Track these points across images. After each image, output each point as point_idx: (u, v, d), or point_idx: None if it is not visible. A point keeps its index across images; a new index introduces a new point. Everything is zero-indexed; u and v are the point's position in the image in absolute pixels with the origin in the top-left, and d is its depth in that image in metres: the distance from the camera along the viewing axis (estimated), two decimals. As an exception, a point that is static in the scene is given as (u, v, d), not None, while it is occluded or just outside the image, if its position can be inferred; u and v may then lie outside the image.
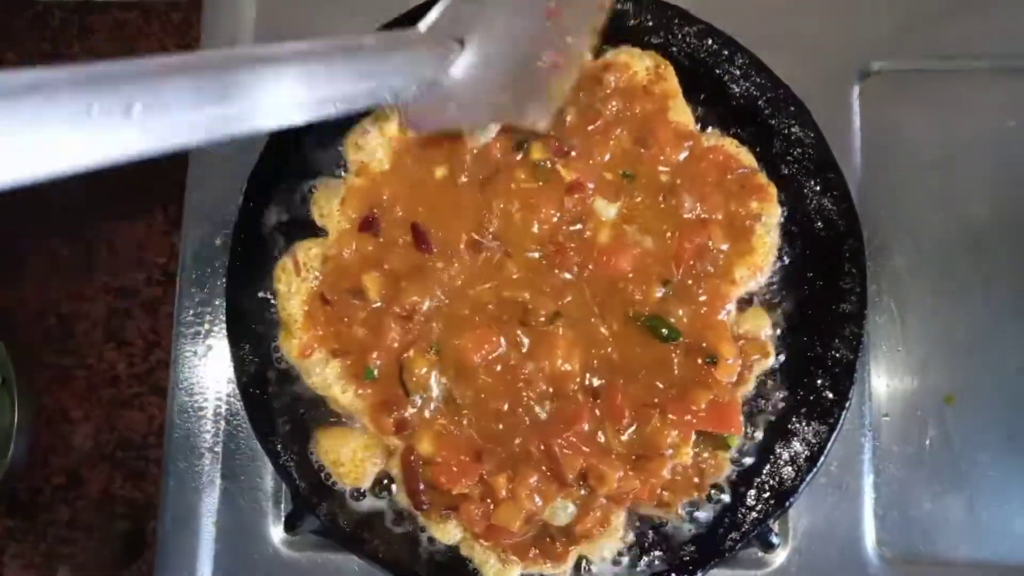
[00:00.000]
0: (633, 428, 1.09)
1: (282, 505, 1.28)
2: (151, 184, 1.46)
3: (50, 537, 1.42)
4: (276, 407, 1.18)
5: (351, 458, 1.15)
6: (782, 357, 1.17)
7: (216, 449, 1.30)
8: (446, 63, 0.95)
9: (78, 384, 1.44)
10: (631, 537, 1.14)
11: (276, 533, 1.27)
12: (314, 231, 1.21)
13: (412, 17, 1.08)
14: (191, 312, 1.33)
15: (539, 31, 1.02)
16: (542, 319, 1.12)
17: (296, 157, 1.21)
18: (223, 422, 1.31)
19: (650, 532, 1.14)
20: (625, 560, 1.13)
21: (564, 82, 1.13)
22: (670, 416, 1.09)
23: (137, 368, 1.44)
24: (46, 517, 1.43)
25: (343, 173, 1.22)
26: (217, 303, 1.32)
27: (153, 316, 1.45)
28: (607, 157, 1.17)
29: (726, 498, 1.14)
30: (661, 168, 1.18)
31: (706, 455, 1.12)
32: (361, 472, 1.16)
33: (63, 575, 1.39)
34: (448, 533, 1.14)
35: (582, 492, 1.10)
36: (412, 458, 1.12)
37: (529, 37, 1.02)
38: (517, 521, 1.07)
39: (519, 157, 1.16)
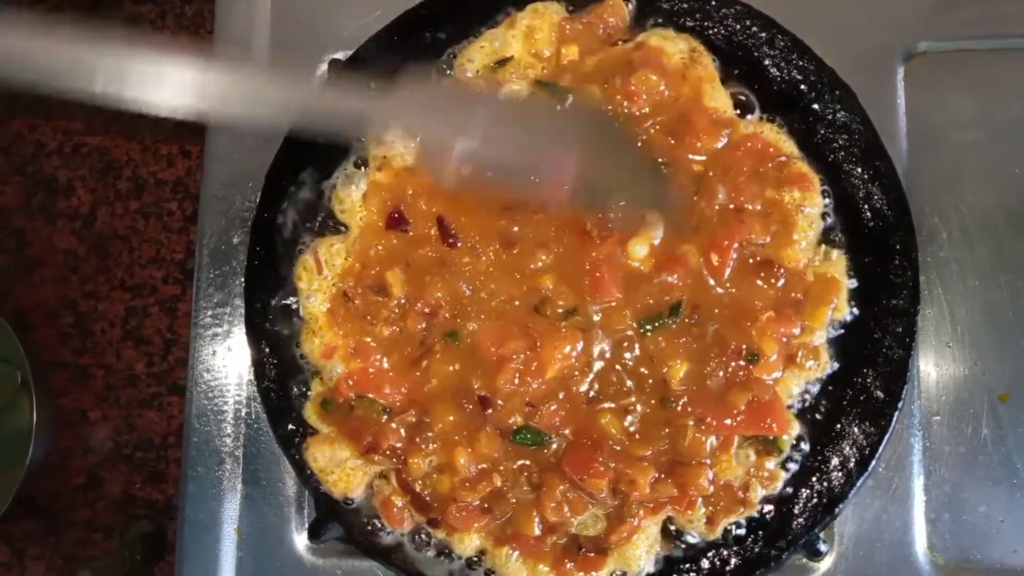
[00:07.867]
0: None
1: (305, 511, 1.25)
2: (163, 179, 1.47)
3: (70, 539, 1.42)
4: (299, 412, 1.16)
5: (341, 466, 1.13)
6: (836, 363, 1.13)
7: (237, 453, 1.27)
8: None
9: (96, 384, 1.44)
10: (668, 547, 1.11)
11: (300, 540, 1.24)
12: (335, 227, 1.19)
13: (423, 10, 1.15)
14: (209, 313, 1.31)
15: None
16: (560, 311, 1.08)
17: (315, 151, 1.19)
18: (243, 425, 1.28)
19: (689, 541, 1.11)
20: (662, 572, 1.09)
21: None
22: (709, 420, 1.06)
23: (156, 367, 1.44)
24: (66, 519, 1.42)
25: (364, 168, 1.19)
26: (236, 303, 1.29)
27: (171, 314, 1.45)
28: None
29: (772, 510, 1.10)
30: (694, 156, 1.13)
31: (752, 461, 1.08)
32: (351, 481, 1.13)
33: (84, 578, 1.39)
34: (466, 545, 1.10)
35: (615, 501, 1.07)
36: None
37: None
38: (532, 524, 1.05)
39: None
